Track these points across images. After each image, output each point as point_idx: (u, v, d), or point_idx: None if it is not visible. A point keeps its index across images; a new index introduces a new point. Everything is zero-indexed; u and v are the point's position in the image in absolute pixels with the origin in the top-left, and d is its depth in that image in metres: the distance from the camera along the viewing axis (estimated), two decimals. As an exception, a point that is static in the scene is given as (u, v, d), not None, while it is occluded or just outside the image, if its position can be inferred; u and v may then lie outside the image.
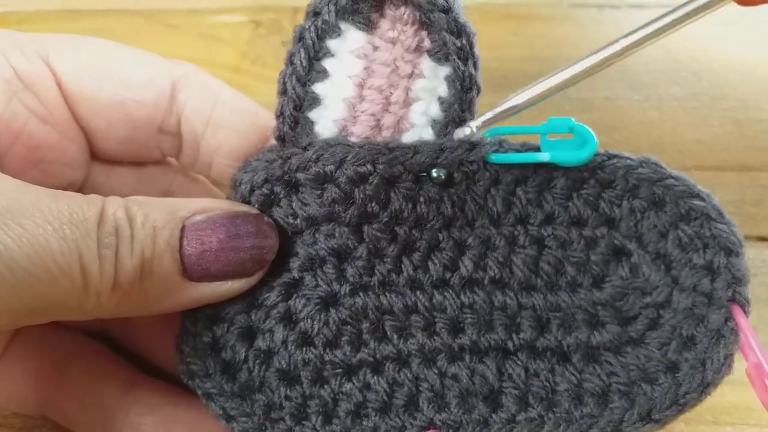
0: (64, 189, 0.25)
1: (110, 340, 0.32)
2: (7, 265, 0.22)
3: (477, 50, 0.27)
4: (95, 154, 0.31)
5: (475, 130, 0.27)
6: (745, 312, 0.26)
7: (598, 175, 0.27)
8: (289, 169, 0.27)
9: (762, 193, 0.41)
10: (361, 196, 0.27)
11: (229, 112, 0.30)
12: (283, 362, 0.27)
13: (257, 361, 0.27)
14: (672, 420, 0.26)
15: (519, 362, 0.27)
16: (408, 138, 0.27)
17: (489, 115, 0.27)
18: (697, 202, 0.26)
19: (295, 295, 0.28)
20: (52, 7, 0.47)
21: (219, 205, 0.27)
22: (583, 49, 0.48)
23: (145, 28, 0.47)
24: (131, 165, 0.33)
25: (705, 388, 0.26)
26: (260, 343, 0.27)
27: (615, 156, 0.27)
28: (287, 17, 0.47)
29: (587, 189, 0.27)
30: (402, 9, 0.27)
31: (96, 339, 0.32)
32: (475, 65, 0.27)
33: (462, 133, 0.27)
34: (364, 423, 0.27)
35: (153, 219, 0.25)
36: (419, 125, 0.28)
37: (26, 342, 0.30)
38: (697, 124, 0.43)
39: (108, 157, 0.31)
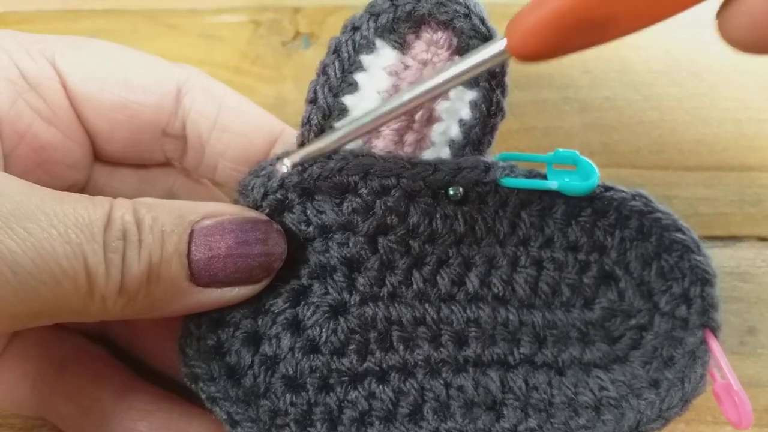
0: (67, 190, 0.25)
1: (109, 342, 0.32)
2: (11, 269, 0.22)
3: (507, 79, 0.28)
4: (98, 156, 0.31)
5: (290, 166, 0.27)
6: (715, 336, 0.28)
7: (595, 204, 0.29)
8: (309, 176, 0.27)
9: (762, 193, 0.41)
10: (382, 208, 0.27)
11: (234, 116, 0.30)
12: (289, 369, 0.27)
13: (263, 367, 0.27)
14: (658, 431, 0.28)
15: (519, 375, 0.28)
16: (427, 156, 0.28)
17: (302, 153, 0.27)
18: (679, 235, 0.28)
19: (303, 302, 0.28)
20: (52, 7, 0.47)
21: (228, 210, 0.27)
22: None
23: (146, 28, 0.46)
24: (134, 167, 0.33)
25: (685, 403, 0.27)
26: (266, 348, 0.28)
27: (611, 188, 0.29)
28: (287, 17, 0.47)
29: (584, 217, 0.29)
30: (440, 33, 0.28)
31: (95, 341, 0.32)
32: (503, 92, 0.28)
33: (282, 168, 0.27)
34: (369, 431, 0.27)
35: (162, 223, 0.25)
36: (438, 144, 0.28)
37: (26, 343, 0.30)
38: (697, 124, 0.43)
39: (111, 159, 0.32)
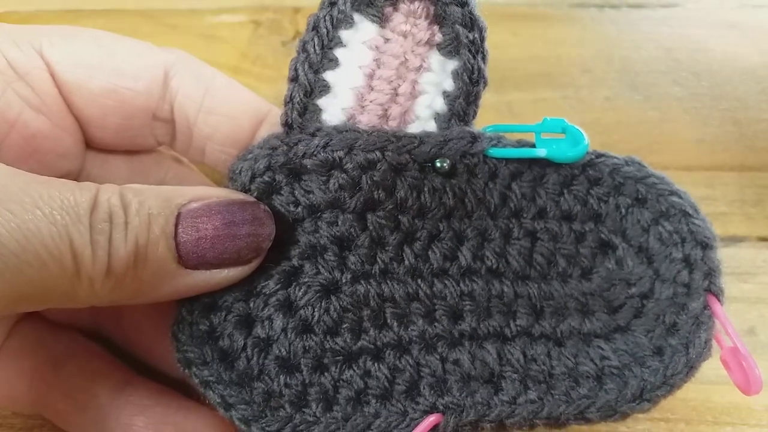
0: (60, 179, 0.25)
1: (104, 341, 0.32)
2: None
3: (487, 45, 0.28)
4: (90, 144, 0.32)
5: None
6: (719, 301, 0.28)
7: (587, 172, 0.29)
8: (295, 155, 0.27)
9: (762, 193, 0.41)
10: (369, 182, 0.27)
11: (221, 98, 0.30)
12: (282, 350, 0.27)
13: (256, 349, 0.27)
14: (663, 399, 0.27)
15: (517, 347, 0.28)
16: (412, 130, 0.28)
17: None
18: (675, 199, 0.28)
19: (294, 283, 0.28)
20: (52, 7, 0.47)
21: (215, 192, 0.27)
22: (583, 49, 0.48)
23: (146, 28, 0.47)
24: (126, 155, 0.33)
25: (690, 369, 0.27)
26: (259, 331, 0.28)
27: (603, 155, 0.29)
28: (287, 17, 0.47)
29: (577, 185, 0.29)
30: (416, 3, 0.28)
31: (90, 338, 0.32)
32: (484, 59, 0.28)
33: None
34: (365, 409, 0.27)
35: (148, 206, 0.25)
36: (423, 118, 0.29)
37: (23, 340, 0.30)
38: (697, 124, 0.43)
39: (103, 146, 0.32)
